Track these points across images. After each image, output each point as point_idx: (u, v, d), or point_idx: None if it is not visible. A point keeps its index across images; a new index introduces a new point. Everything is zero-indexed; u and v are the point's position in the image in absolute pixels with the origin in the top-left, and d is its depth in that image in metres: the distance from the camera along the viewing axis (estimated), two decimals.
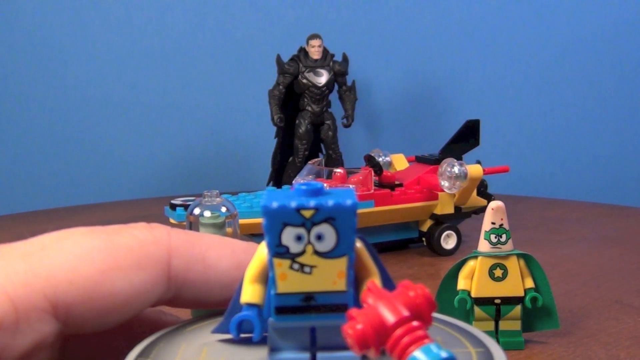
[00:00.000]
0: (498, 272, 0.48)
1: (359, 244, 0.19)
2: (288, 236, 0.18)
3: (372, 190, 0.73)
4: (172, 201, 0.71)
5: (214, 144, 1.24)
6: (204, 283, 0.23)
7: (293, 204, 0.18)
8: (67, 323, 0.21)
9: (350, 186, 0.72)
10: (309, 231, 0.18)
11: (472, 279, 0.48)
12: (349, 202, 0.18)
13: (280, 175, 1.02)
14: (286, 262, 0.18)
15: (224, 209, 0.52)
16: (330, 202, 0.18)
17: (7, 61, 1.17)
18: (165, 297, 0.23)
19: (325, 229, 0.18)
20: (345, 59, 1.01)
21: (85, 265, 0.21)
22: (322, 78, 0.98)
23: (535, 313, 0.49)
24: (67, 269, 0.21)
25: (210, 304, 0.24)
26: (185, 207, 0.68)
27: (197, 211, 0.52)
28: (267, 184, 1.03)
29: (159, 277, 0.22)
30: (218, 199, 0.52)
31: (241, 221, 0.55)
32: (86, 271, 0.21)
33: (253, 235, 0.69)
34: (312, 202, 0.18)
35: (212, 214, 0.51)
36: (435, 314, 0.21)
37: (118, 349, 0.25)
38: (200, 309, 0.26)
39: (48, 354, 0.21)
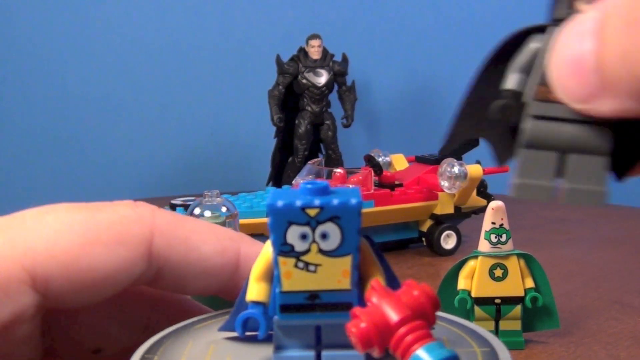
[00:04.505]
0: (498, 272, 0.48)
1: (363, 243, 0.19)
2: (293, 235, 0.18)
3: (372, 190, 0.74)
4: (172, 201, 0.71)
5: (214, 144, 1.24)
6: (185, 264, 0.23)
7: (298, 203, 0.18)
8: (46, 296, 0.21)
9: (350, 186, 0.72)
10: (313, 230, 0.18)
11: (473, 278, 0.48)
12: (353, 201, 0.18)
13: (279, 175, 1.02)
14: (291, 261, 0.18)
15: (224, 209, 0.52)
16: (335, 201, 0.18)
17: (7, 61, 1.17)
18: (146, 276, 0.23)
19: (330, 228, 0.18)
20: (345, 59, 1.01)
21: (65, 239, 0.21)
22: (322, 78, 0.98)
23: (536, 313, 0.49)
24: (46, 242, 0.21)
25: (191, 289, 0.24)
26: (186, 207, 0.68)
27: (197, 211, 0.52)
28: (267, 184, 1.03)
29: (140, 254, 0.22)
30: (218, 199, 0.52)
31: (241, 221, 0.55)
32: (66, 244, 0.21)
33: (253, 235, 0.69)
34: (317, 201, 0.18)
35: (212, 213, 0.52)
36: (441, 313, 0.21)
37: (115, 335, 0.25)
38: (182, 294, 0.25)
39: (28, 328, 0.21)
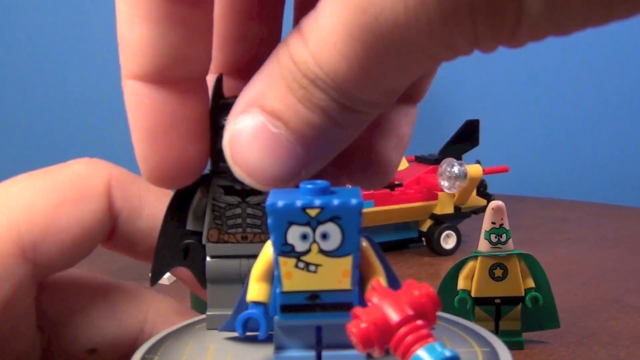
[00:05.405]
0: (498, 272, 0.48)
1: (364, 243, 0.19)
2: (293, 235, 0.18)
3: (372, 190, 0.73)
4: None
5: None
6: (137, 219, 0.24)
7: (299, 203, 0.18)
8: (36, 263, 0.22)
9: (350, 186, 0.72)
10: (314, 230, 0.18)
11: (472, 278, 0.48)
12: (354, 201, 0.18)
13: None
14: (291, 261, 0.18)
15: None
16: (336, 201, 0.18)
17: (7, 61, 1.17)
18: (107, 229, 0.24)
19: (331, 228, 0.18)
20: None
21: (39, 205, 0.22)
22: None
23: (536, 313, 0.49)
24: (23, 211, 0.22)
25: (141, 249, 0.25)
26: None
27: None
28: None
29: (103, 207, 0.23)
30: None
31: None
32: (41, 209, 0.22)
33: None
34: (318, 201, 0.18)
35: None
36: (442, 314, 0.21)
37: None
38: (132, 257, 0.26)
39: (27, 300, 0.22)
